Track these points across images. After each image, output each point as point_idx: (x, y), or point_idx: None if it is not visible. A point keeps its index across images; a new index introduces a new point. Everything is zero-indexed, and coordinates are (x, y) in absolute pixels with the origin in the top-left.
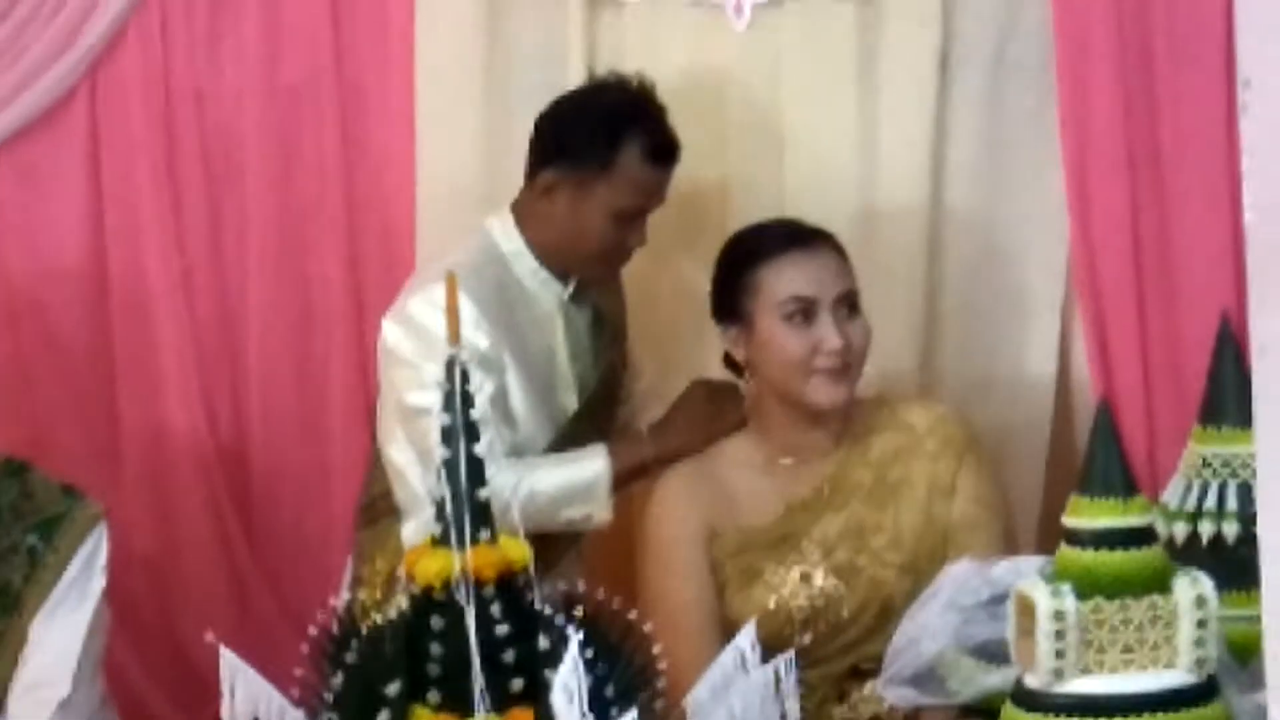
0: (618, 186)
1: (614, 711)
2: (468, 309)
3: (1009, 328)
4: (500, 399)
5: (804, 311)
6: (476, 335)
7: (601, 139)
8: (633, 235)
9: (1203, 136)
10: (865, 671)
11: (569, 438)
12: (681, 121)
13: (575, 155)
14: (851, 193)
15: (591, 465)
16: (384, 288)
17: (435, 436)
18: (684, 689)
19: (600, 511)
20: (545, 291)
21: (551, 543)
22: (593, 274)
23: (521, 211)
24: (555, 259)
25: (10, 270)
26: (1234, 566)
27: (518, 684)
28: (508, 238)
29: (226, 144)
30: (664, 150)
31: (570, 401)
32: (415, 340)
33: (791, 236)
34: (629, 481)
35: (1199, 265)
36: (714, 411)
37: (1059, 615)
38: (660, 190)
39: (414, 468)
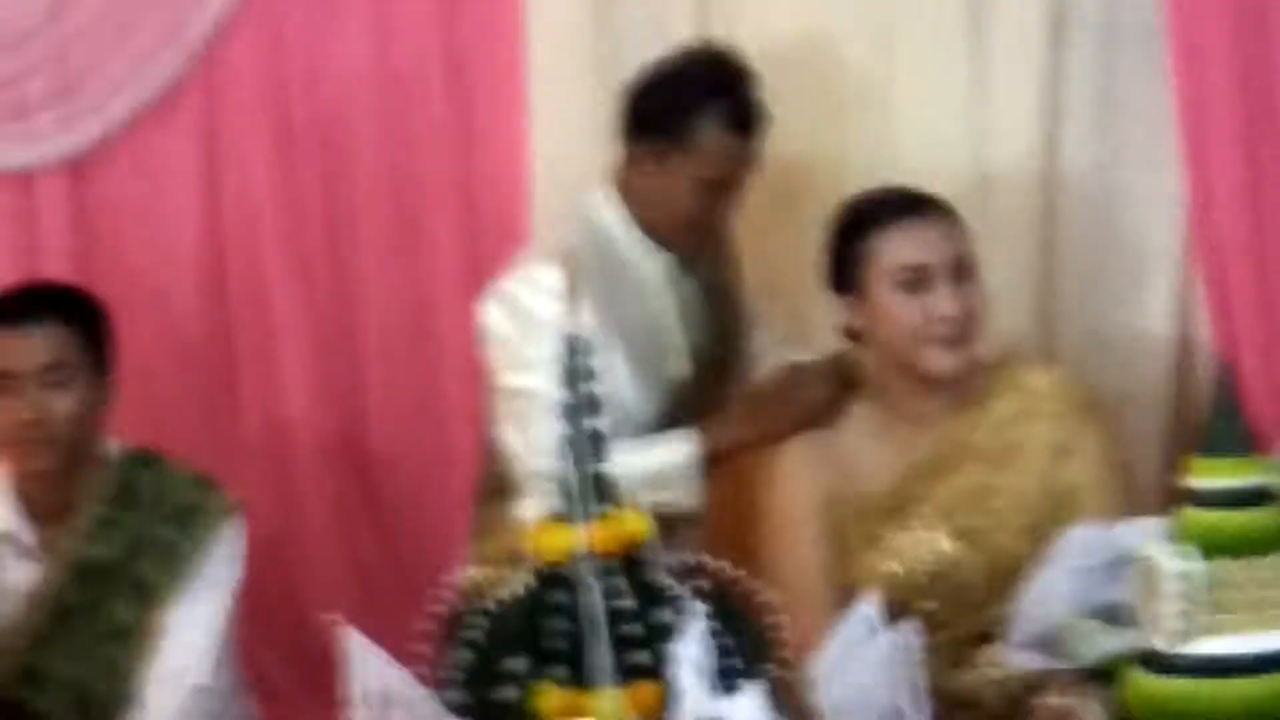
0: (696, 158)
1: (741, 682)
2: (564, 288)
3: (1126, 290)
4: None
5: (918, 279)
6: (571, 316)
7: (676, 110)
8: (724, 204)
9: None
10: (989, 635)
11: (684, 405)
12: (791, 89)
13: (652, 128)
14: (964, 158)
15: (679, 450)
16: (499, 273)
17: (534, 415)
18: (808, 658)
19: (687, 497)
20: (651, 262)
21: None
22: (691, 243)
23: (619, 185)
24: (654, 230)
25: (129, 261)
26: None
27: (643, 658)
28: (610, 211)
29: (340, 131)
30: (742, 120)
31: (684, 369)
32: (513, 319)
33: (903, 203)
34: (721, 463)
35: None
36: (804, 395)
37: (1185, 576)
38: (745, 159)
39: (524, 447)
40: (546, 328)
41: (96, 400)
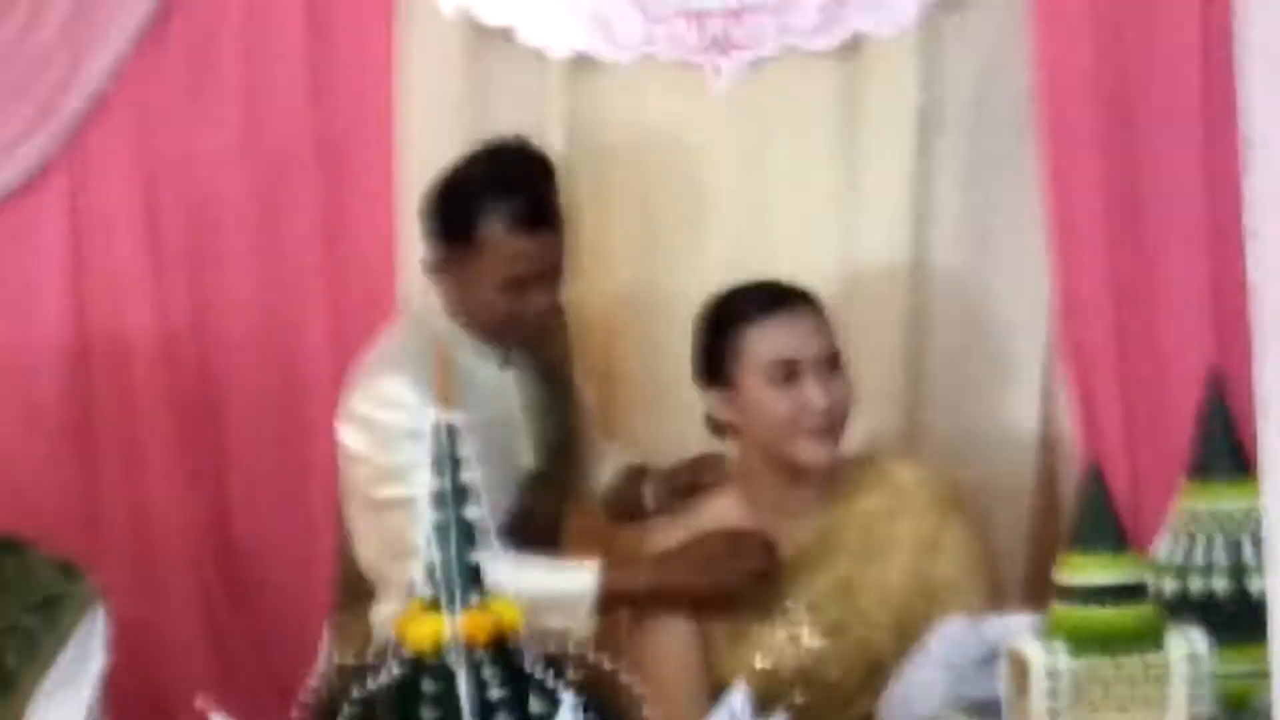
0: (489, 259)
1: None
2: (410, 395)
3: (992, 385)
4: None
5: (788, 373)
6: (424, 421)
7: (461, 213)
8: (530, 302)
9: (1181, 195)
10: None
11: (533, 497)
12: (664, 184)
13: (444, 231)
14: (833, 253)
15: (580, 579)
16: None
17: (406, 522)
18: None
19: (579, 627)
20: (484, 361)
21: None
22: (512, 339)
23: (436, 284)
24: (473, 327)
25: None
26: (1225, 622)
27: None
28: (436, 316)
29: (209, 212)
30: (530, 217)
31: (533, 460)
32: (366, 435)
33: (773, 298)
34: (621, 605)
35: (1180, 321)
36: (733, 561)
37: (1053, 673)
38: (543, 255)
39: (387, 561)
40: (402, 436)
41: None
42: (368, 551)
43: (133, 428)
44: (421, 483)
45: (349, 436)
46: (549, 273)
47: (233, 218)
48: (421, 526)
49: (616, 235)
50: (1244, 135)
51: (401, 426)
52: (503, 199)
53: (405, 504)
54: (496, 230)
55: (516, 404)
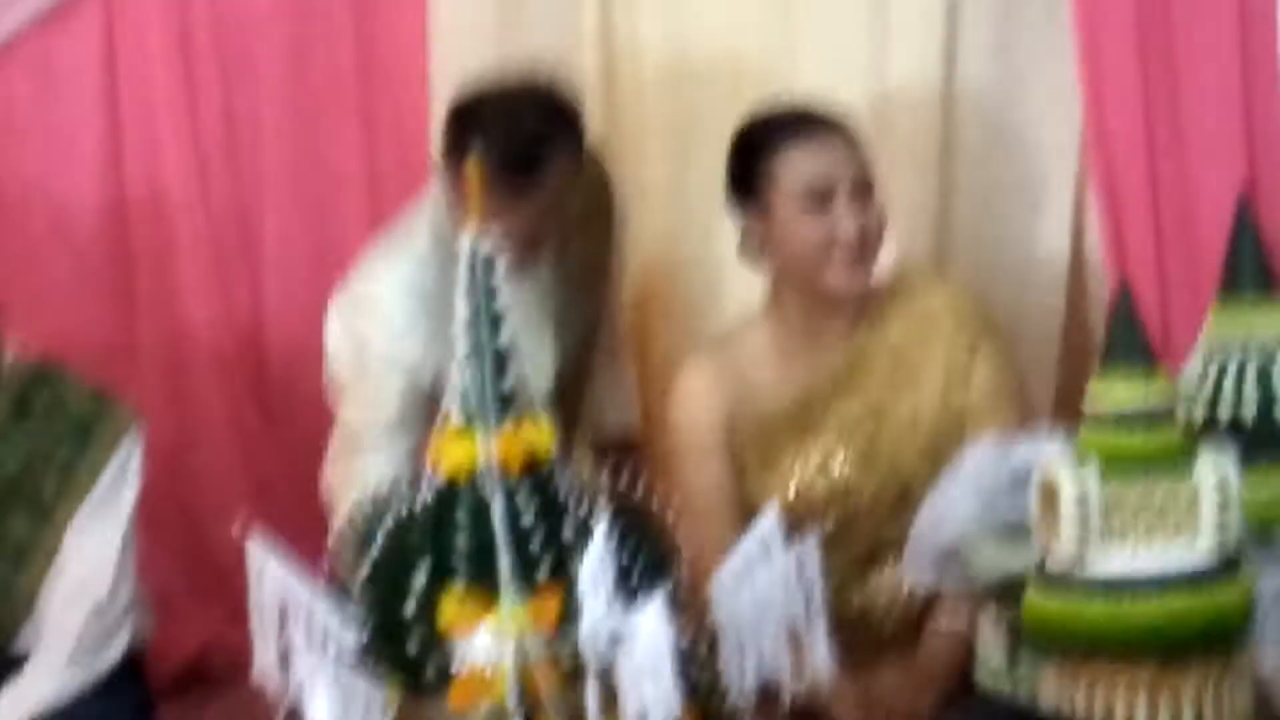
0: (470, 188)
1: (639, 596)
2: (399, 319)
3: (1022, 211)
4: (423, 398)
5: (820, 199)
6: (404, 345)
7: (455, 141)
8: (528, 226)
9: (1213, 19)
10: (886, 555)
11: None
12: (680, 45)
13: (445, 152)
14: (864, 78)
15: None
16: (399, 177)
17: (366, 443)
18: (708, 573)
19: None
20: None
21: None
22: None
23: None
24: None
25: (27, 169)
26: (1252, 446)
27: (544, 571)
28: (450, 222)
29: (240, 37)
30: (508, 161)
31: (543, 384)
32: (347, 344)
33: (806, 122)
34: None
35: (1211, 145)
36: None
37: (1082, 498)
38: (521, 196)
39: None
40: (381, 362)
41: None
42: (347, 419)
43: (169, 255)
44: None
45: (334, 334)
46: (534, 208)
47: (264, 44)
48: (459, 349)
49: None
50: None
51: (380, 351)
52: (489, 137)
53: (363, 428)
54: (478, 165)
55: (529, 319)
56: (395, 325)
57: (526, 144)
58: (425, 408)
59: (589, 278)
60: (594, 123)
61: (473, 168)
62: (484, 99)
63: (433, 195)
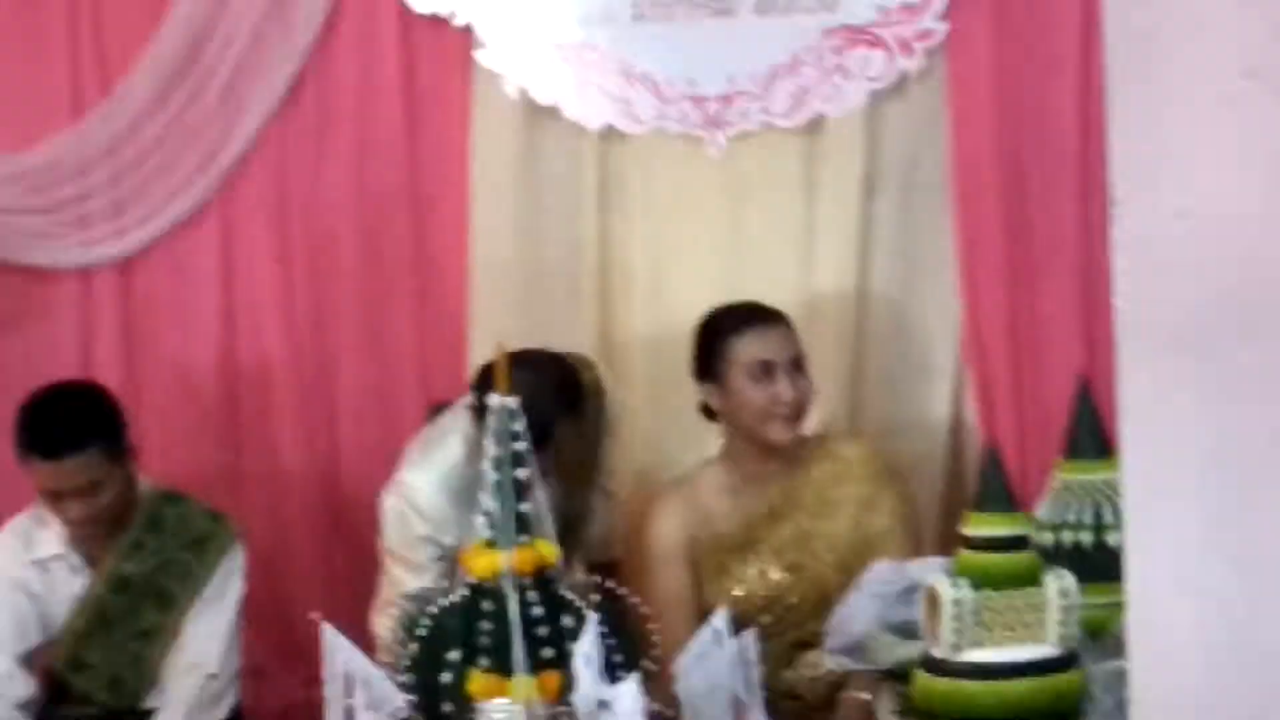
0: (499, 373)
1: (620, 674)
2: (437, 514)
3: (916, 386)
4: (452, 561)
5: (764, 371)
6: (439, 533)
7: (479, 391)
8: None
9: (1062, 244)
10: (809, 644)
11: None
12: (674, 223)
13: (475, 397)
14: (796, 284)
15: None
16: (441, 341)
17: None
18: (672, 658)
19: None
20: None
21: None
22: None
23: None
24: None
25: (162, 341)
26: (1088, 567)
27: (549, 653)
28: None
29: (324, 241)
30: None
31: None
32: (396, 524)
33: (753, 315)
34: None
35: (1059, 338)
36: None
37: (958, 603)
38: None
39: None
40: (419, 542)
41: (126, 476)
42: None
43: (267, 406)
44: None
45: (388, 504)
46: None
47: (343, 246)
48: (492, 470)
49: (636, 280)
50: (1110, 194)
51: (420, 534)
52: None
53: (401, 585)
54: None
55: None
56: (434, 518)
57: (541, 418)
58: (453, 564)
59: (589, 456)
60: (592, 347)
61: (500, 358)
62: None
63: (462, 415)
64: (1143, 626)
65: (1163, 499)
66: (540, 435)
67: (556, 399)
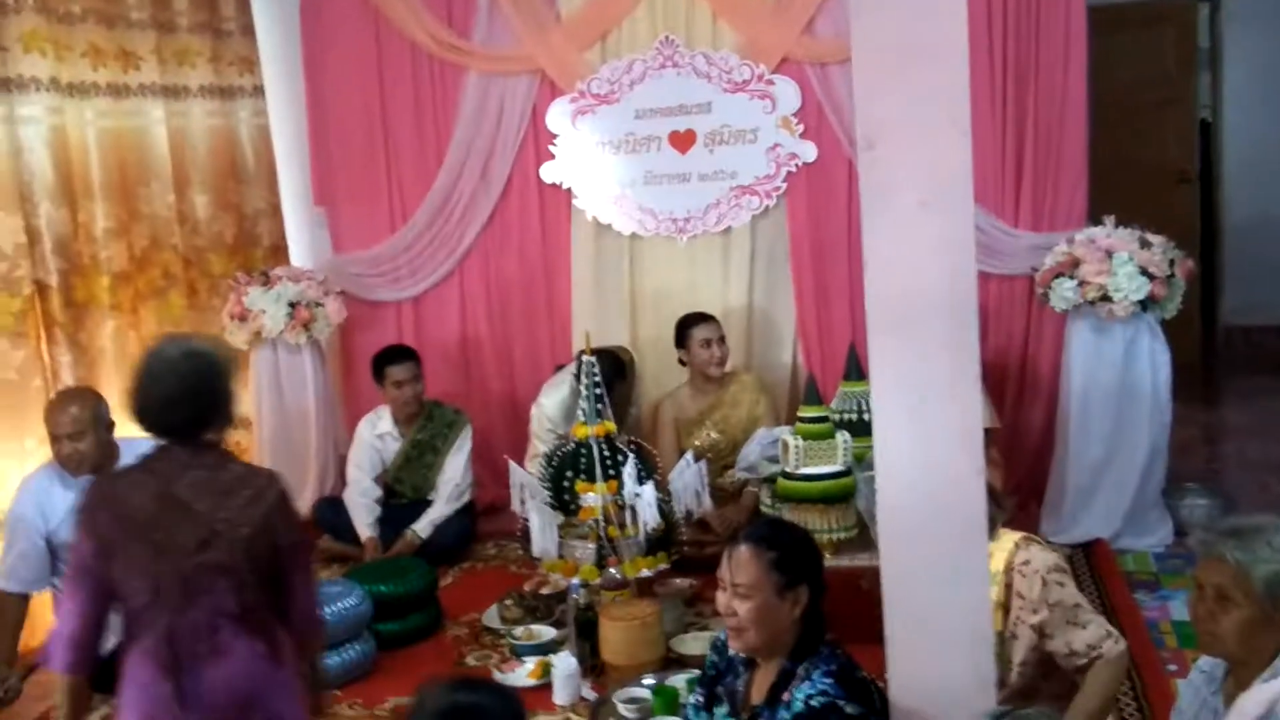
0: (585, 362)
1: (644, 480)
2: (554, 417)
3: (775, 348)
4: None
5: (707, 344)
6: (556, 428)
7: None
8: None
9: (839, 280)
10: (729, 466)
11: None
12: (663, 277)
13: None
14: (720, 302)
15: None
16: (559, 346)
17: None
18: (666, 472)
19: None
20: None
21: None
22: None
23: None
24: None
25: (431, 334)
26: (854, 430)
27: (611, 471)
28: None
29: (505, 290)
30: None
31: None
32: (534, 423)
33: (701, 316)
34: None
35: (842, 316)
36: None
37: (796, 446)
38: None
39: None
40: (545, 433)
41: (421, 389)
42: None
43: (480, 365)
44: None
45: (533, 411)
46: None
47: (515, 291)
48: (585, 396)
49: (648, 302)
50: (859, 137)
51: (545, 432)
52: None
53: (535, 442)
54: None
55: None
56: (552, 420)
57: (609, 378)
58: (561, 439)
59: (628, 391)
60: (628, 336)
61: (587, 342)
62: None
63: (571, 370)
64: (884, 454)
65: (889, 399)
66: (609, 385)
67: (615, 370)
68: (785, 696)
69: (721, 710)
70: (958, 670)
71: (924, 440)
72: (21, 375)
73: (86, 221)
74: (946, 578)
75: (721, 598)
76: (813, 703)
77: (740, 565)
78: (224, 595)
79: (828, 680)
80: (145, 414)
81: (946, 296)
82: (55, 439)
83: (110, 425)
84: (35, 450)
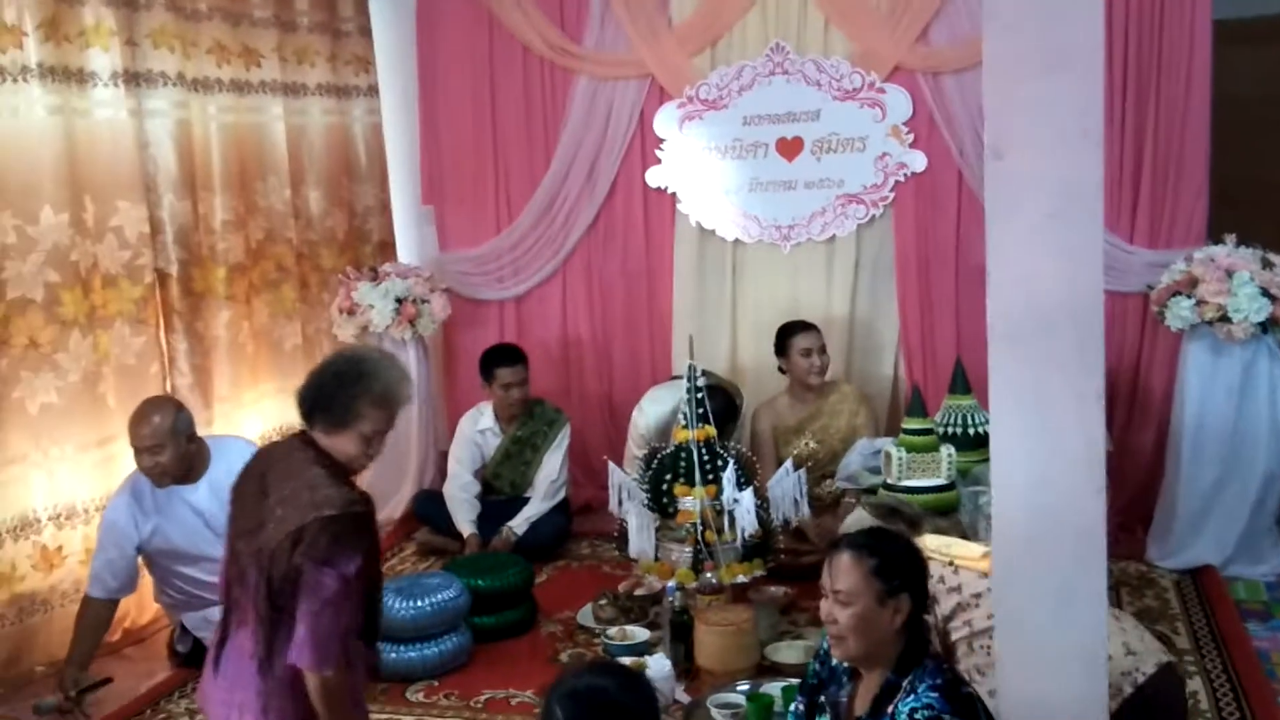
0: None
1: (741, 485)
2: (650, 428)
3: (877, 358)
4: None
5: (807, 353)
6: (649, 439)
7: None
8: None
9: (945, 292)
10: (827, 476)
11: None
12: (766, 284)
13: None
14: (822, 311)
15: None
16: (660, 348)
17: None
18: (764, 482)
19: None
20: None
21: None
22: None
23: None
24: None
25: (535, 332)
26: (958, 443)
27: (710, 475)
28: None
29: (608, 291)
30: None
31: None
32: (632, 428)
33: (802, 325)
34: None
35: (949, 331)
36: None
37: (899, 458)
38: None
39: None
40: (640, 439)
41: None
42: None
43: (581, 365)
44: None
45: (633, 416)
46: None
47: (616, 294)
48: (687, 400)
49: (749, 309)
50: (987, 147)
51: (641, 439)
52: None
53: (631, 449)
54: None
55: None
56: (647, 431)
57: (723, 417)
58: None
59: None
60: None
61: (692, 373)
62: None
63: (672, 383)
64: (1000, 469)
65: (1008, 412)
66: (720, 424)
67: (728, 411)
68: (889, 709)
69: None
70: (1068, 691)
71: (1043, 457)
72: (140, 361)
73: (206, 214)
74: (1061, 597)
75: (824, 605)
76: (916, 717)
77: (841, 572)
78: (250, 587)
79: (933, 694)
80: (297, 393)
81: (1072, 311)
82: (137, 452)
83: (192, 435)
84: None
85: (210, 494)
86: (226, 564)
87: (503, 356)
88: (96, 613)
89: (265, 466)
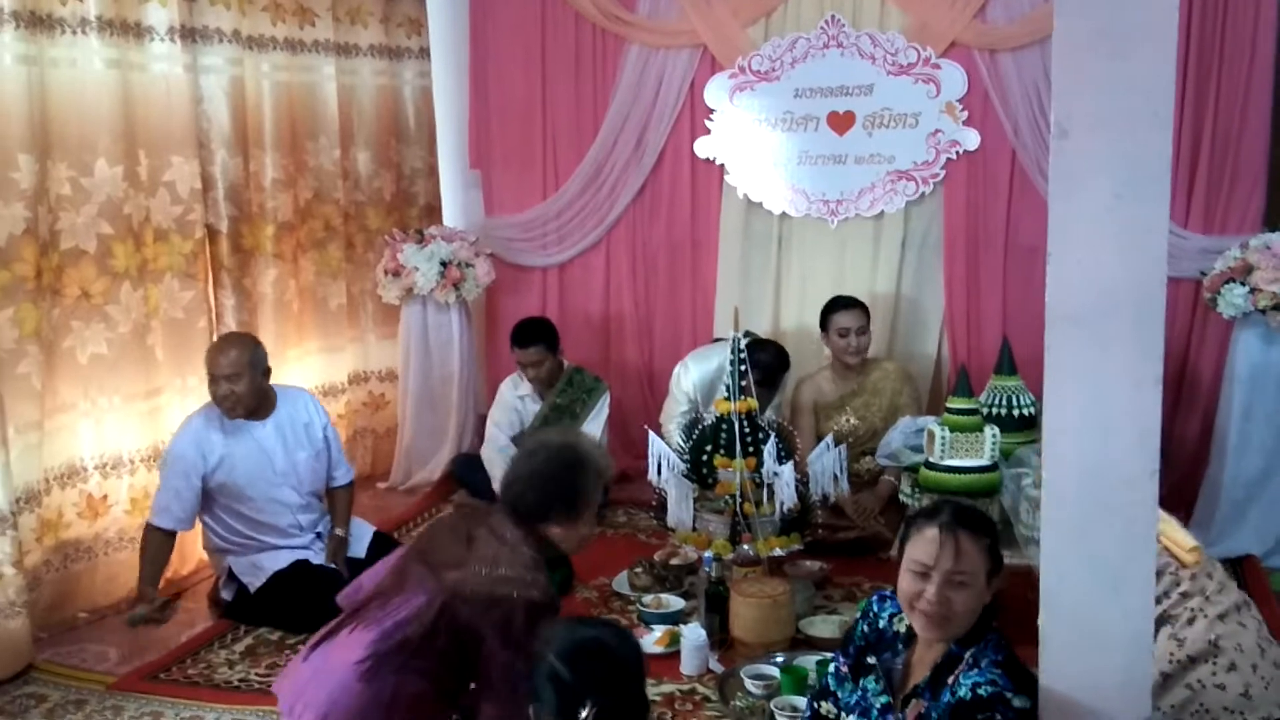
0: (734, 349)
1: (781, 459)
2: (693, 387)
3: (922, 337)
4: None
5: (845, 332)
6: (692, 397)
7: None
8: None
9: (997, 245)
10: (867, 453)
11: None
12: (811, 257)
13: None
14: (867, 287)
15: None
16: (702, 316)
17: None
18: (805, 456)
19: None
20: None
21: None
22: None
23: None
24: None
25: (575, 301)
26: (1002, 424)
27: (751, 448)
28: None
29: (652, 260)
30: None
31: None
32: (674, 388)
33: (845, 301)
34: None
35: (994, 310)
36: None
37: (943, 437)
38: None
39: (672, 423)
40: (682, 400)
41: (557, 359)
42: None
43: (621, 334)
44: (680, 421)
45: (675, 372)
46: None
47: (660, 263)
48: (731, 372)
49: (794, 283)
50: (1054, 123)
51: (684, 395)
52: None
53: (670, 420)
54: None
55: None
56: (689, 389)
57: (764, 368)
58: (696, 409)
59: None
60: (771, 312)
61: (736, 345)
62: (752, 343)
63: (718, 344)
64: (1052, 449)
65: (1064, 392)
66: (773, 373)
67: (781, 361)
68: (950, 680)
69: (874, 685)
70: (1114, 673)
71: (1097, 438)
72: (188, 315)
73: (257, 171)
74: (1109, 580)
75: (922, 585)
76: (980, 691)
77: (965, 553)
78: (403, 607)
79: (997, 670)
80: (504, 486)
81: (1133, 293)
82: (213, 379)
83: (267, 371)
84: (197, 388)
85: (276, 434)
86: (387, 575)
87: (517, 337)
88: (161, 542)
89: (471, 519)
